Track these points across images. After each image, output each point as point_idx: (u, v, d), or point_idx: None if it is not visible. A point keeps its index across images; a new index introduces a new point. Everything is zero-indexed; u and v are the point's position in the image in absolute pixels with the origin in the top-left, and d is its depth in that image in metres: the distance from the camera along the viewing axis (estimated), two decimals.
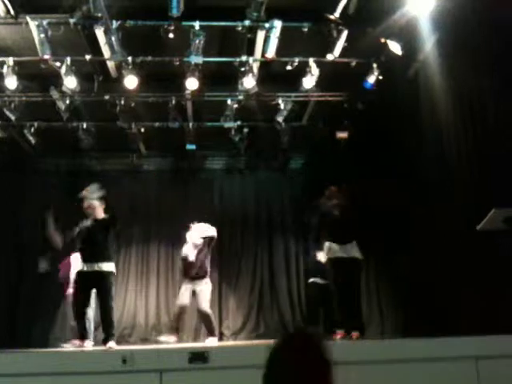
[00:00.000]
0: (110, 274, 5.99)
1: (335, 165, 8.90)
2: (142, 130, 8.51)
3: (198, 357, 3.47)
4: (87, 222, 6.13)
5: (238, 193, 9.90)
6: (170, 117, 8.03)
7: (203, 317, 7.00)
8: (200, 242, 7.11)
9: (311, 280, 7.81)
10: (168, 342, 6.82)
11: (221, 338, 8.99)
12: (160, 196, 9.77)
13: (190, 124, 8.51)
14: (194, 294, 6.96)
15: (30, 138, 8.36)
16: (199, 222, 7.37)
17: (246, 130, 8.58)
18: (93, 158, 9.49)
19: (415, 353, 3.76)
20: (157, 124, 8.48)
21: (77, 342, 6.12)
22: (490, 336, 3.82)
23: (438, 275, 6.24)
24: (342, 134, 8.51)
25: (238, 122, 8.46)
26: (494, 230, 4.47)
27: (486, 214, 4.46)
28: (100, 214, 6.17)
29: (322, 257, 6.80)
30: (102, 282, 5.94)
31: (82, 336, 6.03)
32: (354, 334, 5.88)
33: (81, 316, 6.09)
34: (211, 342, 6.79)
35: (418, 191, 7.06)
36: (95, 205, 6.16)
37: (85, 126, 8.28)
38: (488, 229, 4.48)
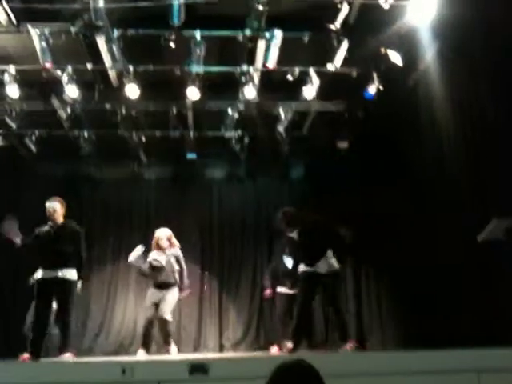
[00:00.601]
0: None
1: (335, 173, 8.91)
2: (143, 138, 8.51)
3: (198, 368, 3.45)
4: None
5: (238, 201, 9.89)
6: (170, 125, 8.04)
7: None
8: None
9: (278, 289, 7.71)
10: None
11: (221, 350, 8.94)
12: (160, 204, 9.76)
13: (191, 133, 8.51)
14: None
15: (31, 146, 8.36)
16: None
17: (246, 139, 8.59)
18: (93, 166, 9.49)
19: (416, 365, 3.74)
20: (157, 132, 8.48)
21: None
22: (491, 349, 3.80)
23: (439, 286, 6.21)
24: (343, 144, 8.52)
25: (239, 131, 8.47)
26: (494, 241, 4.46)
27: (486, 224, 4.45)
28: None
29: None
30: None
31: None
32: (349, 346, 5.89)
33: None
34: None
35: (418, 200, 7.05)
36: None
37: (86, 134, 8.29)
38: (489, 239, 4.46)
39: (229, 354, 8.44)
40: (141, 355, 6.72)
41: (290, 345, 5.97)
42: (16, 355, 5.66)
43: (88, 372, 3.69)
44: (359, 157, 8.59)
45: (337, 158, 8.79)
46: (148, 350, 6.88)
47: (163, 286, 6.92)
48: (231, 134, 8.43)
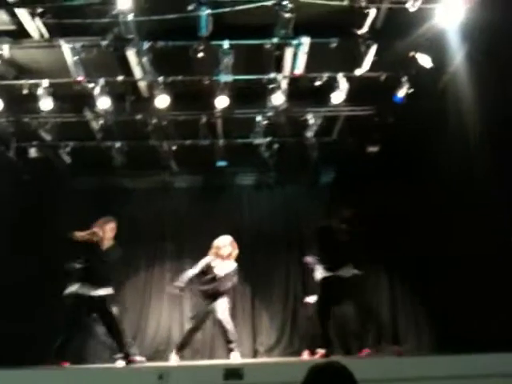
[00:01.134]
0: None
1: (365, 179, 8.86)
2: (174, 147, 8.60)
3: (233, 373, 3.48)
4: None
5: (268, 208, 9.89)
6: (200, 134, 8.12)
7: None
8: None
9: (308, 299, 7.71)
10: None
11: (255, 355, 8.95)
12: (191, 212, 9.85)
13: (220, 141, 8.58)
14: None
15: (65, 158, 8.54)
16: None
17: (275, 146, 8.61)
18: (125, 177, 9.63)
19: (452, 370, 3.70)
20: (187, 142, 8.57)
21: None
22: None
23: (474, 290, 6.13)
24: (373, 149, 8.46)
25: (268, 139, 8.49)
26: None
27: None
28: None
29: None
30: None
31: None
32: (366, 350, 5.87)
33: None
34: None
35: (449, 203, 6.96)
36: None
37: (117, 145, 8.42)
38: None
39: (263, 360, 8.45)
40: (174, 361, 6.75)
41: (321, 351, 5.96)
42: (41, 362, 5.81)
43: (126, 378, 3.75)
44: (389, 161, 8.53)
45: (366, 164, 8.74)
46: (181, 357, 6.90)
47: (216, 295, 6.95)
48: (260, 141, 8.45)
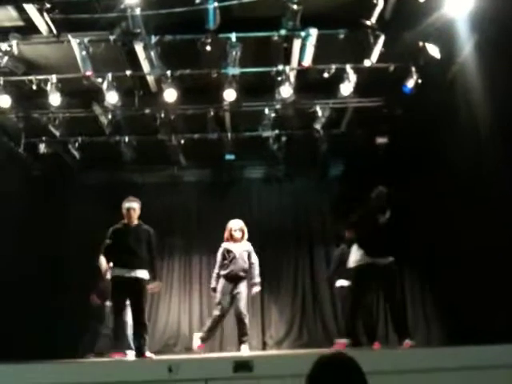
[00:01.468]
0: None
1: (375, 171, 8.83)
2: (182, 141, 8.63)
3: (243, 366, 3.49)
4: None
5: (277, 201, 9.91)
6: (208, 128, 8.13)
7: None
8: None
9: (338, 284, 7.72)
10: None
11: (264, 348, 8.98)
12: (200, 206, 9.88)
13: (229, 134, 8.59)
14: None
15: (74, 153, 8.58)
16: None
17: (283, 138, 8.60)
18: (134, 171, 9.67)
19: (462, 361, 3.69)
20: (196, 135, 8.59)
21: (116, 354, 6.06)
22: None
23: (484, 281, 6.09)
24: (382, 140, 8.42)
25: (276, 131, 8.49)
26: None
27: None
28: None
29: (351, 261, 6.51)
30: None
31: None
32: (407, 342, 5.75)
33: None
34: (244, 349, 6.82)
35: (458, 195, 6.92)
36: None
37: (126, 139, 8.46)
38: None
39: (273, 352, 8.47)
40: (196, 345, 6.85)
41: (346, 342, 5.89)
42: (63, 357, 5.82)
43: (136, 370, 3.77)
44: (397, 153, 8.49)
45: (376, 155, 8.70)
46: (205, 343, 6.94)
47: (235, 278, 6.90)
48: (268, 133, 8.45)
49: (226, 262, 6.99)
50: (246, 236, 7.18)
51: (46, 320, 8.65)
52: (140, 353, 5.80)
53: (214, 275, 7.09)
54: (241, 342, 6.80)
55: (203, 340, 6.90)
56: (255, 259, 7.08)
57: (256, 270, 7.02)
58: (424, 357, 4.01)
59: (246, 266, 6.99)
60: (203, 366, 3.71)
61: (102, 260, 6.64)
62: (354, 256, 6.21)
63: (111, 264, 6.30)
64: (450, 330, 7.55)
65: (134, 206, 6.19)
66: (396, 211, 8.54)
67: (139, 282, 5.93)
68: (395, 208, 6.39)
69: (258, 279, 7.01)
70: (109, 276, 6.51)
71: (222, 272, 7.00)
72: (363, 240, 6.20)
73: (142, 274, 5.96)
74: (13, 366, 4.10)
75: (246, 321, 6.85)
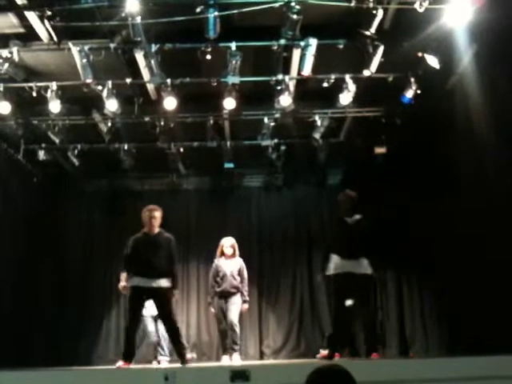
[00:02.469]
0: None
1: (373, 180, 8.85)
2: (181, 150, 8.64)
3: (240, 375, 3.48)
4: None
5: (276, 210, 9.91)
6: (208, 136, 8.14)
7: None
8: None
9: None
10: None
11: (261, 357, 8.95)
12: (199, 214, 9.87)
13: (228, 143, 8.60)
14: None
15: (74, 160, 8.58)
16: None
17: (283, 147, 8.61)
18: (133, 179, 9.68)
19: (461, 372, 3.67)
20: (195, 144, 8.60)
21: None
22: None
23: (483, 291, 6.08)
24: (380, 149, 8.44)
25: (275, 140, 8.50)
26: None
27: None
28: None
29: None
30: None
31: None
32: (375, 355, 5.72)
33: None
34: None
35: (457, 204, 6.92)
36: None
37: (126, 147, 8.46)
38: None
39: (270, 361, 8.44)
40: (227, 361, 7.03)
41: (324, 353, 5.87)
42: (65, 365, 5.82)
43: (132, 379, 3.76)
44: (396, 162, 8.51)
45: (374, 165, 8.72)
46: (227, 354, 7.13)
47: (227, 294, 7.15)
48: (268, 142, 8.46)
49: (218, 279, 7.24)
50: (238, 252, 7.42)
51: (49, 327, 8.72)
52: (183, 358, 5.80)
53: (210, 291, 7.39)
54: (232, 350, 6.96)
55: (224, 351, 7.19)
56: (246, 275, 7.34)
57: (246, 287, 7.29)
58: (422, 367, 4.00)
59: (237, 282, 7.22)
60: (200, 375, 3.69)
61: (123, 276, 6.60)
62: (332, 263, 6.19)
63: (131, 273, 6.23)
64: (449, 339, 7.53)
65: (155, 214, 6.21)
66: (395, 220, 8.61)
67: (160, 290, 5.91)
68: (365, 211, 6.40)
69: (247, 297, 7.29)
70: (125, 291, 6.54)
71: (216, 289, 7.24)
72: (333, 243, 6.26)
73: (162, 282, 5.94)
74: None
75: (237, 330, 7.03)
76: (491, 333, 5.76)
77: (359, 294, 6.07)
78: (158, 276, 5.91)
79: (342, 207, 6.33)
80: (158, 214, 6.22)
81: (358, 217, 6.26)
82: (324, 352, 5.88)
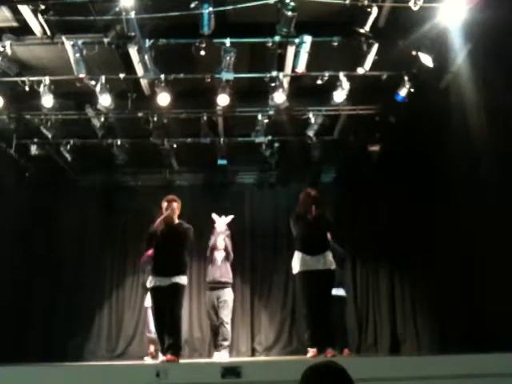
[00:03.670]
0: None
1: (367, 178, 8.87)
2: (175, 145, 8.61)
3: (231, 372, 3.48)
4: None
5: (270, 207, 9.90)
6: (201, 132, 8.12)
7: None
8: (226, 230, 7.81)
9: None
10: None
11: (253, 354, 8.95)
12: (192, 210, 9.83)
13: (222, 139, 8.58)
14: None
15: (66, 155, 8.54)
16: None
17: (276, 144, 8.61)
18: (127, 174, 9.65)
19: (452, 369, 3.69)
20: (189, 140, 8.57)
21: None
22: None
23: (474, 288, 6.12)
24: (374, 148, 8.45)
25: (269, 137, 8.49)
26: None
27: None
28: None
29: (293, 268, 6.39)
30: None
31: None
32: (329, 351, 5.69)
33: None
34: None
35: (451, 204, 6.96)
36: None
37: (119, 142, 8.43)
38: None
39: (261, 358, 8.45)
40: (218, 357, 7.14)
41: (313, 351, 5.81)
42: (56, 361, 5.79)
43: (123, 375, 3.75)
44: (391, 160, 8.53)
45: (368, 163, 8.74)
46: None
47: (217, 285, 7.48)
48: (261, 139, 8.45)
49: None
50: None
51: (41, 322, 8.71)
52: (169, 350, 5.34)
53: None
54: (221, 346, 7.10)
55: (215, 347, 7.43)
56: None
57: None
58: (414, 364, 4.01)
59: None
60: (191, 371, 3.70)
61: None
62: (296, 260, 6.23)
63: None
64: (440, 337, 7.57)
65: (173, 205, 6.05)
66: (388, 218, 8.63)
67: (175, 287, 5.68)
68: (325, 207, 6.40)
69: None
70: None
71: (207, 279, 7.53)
72: (296, 238, 6.31)
73: (180, 279, 5.74)
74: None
75: (228, 327, 7.14)
76: (482, 330, 5.80)
77: (320, 289, 6.03)
78: (177, 273, 5.72)
79: (303, 205, 6.31)
80: (176, 204, 6.06)
81: (318, 212, 6.25)
82: (313, 349, 5.83)
